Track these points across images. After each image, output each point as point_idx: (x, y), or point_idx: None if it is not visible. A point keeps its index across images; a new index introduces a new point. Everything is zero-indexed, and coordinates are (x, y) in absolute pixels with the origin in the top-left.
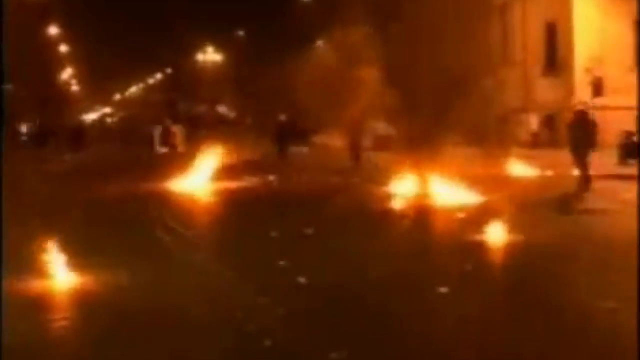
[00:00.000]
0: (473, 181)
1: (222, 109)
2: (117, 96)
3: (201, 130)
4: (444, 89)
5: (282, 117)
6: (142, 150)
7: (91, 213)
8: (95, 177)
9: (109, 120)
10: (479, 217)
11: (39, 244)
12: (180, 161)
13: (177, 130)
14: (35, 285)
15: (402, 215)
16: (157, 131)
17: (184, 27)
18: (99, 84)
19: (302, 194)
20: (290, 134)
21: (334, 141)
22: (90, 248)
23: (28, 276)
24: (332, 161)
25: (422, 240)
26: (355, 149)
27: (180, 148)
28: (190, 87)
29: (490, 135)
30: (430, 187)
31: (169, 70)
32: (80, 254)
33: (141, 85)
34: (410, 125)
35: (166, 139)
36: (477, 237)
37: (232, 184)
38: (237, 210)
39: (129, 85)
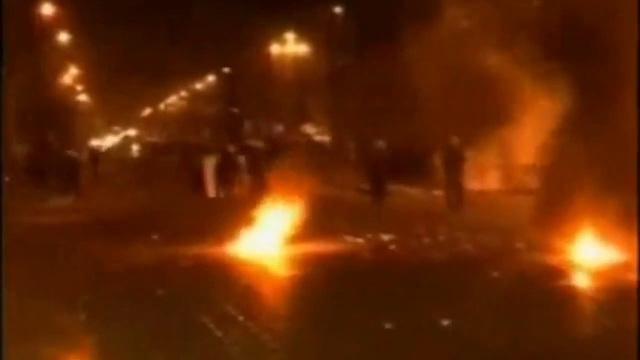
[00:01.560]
0: None
1: (309, 128)
2: (147, 111)
3: (278, 160)
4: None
5: (380, 144)
6: (186, 193)
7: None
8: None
9: (135, 147)
10: None
11: None
12: (248, 211)
13: (244, 162)
14: None
15: None
16: (209, 163)
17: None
18: (117, 91)
19: (434, 265)
20: (391, 165)
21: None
22: None
23: None
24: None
25: None
26: (455, 189)
27: (246, 190)
28: (258, 95)
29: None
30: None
31: (226, 70)
32: None
33: (183, 93)
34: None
35: (226, 176)
36: None
37: (325, 247)
38: (332, 291)
39: (165, 94)
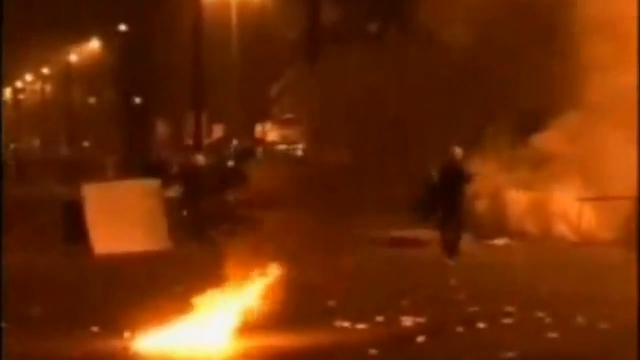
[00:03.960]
0: None
1: (271, 132)
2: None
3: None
4: None
5: (456, 151)
6: (53, 249)
7: None
8: None
9: None
10: None
11: None
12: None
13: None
14: None
15: None
16: (97, 195)
17: None
18: None
19: None
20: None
21: None
22: None
23: None
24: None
25: None
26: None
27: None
28: (180, 75)
29: None
30: None
31: (122, 28)
32: None
33: (46, 69)
34: None
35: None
36: None
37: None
38: None
39: (15, 72)
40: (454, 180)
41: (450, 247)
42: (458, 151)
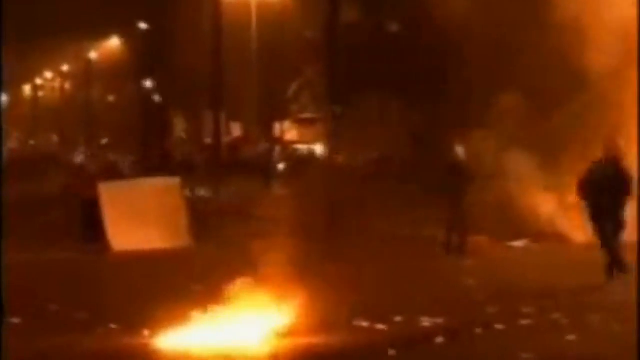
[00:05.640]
0: None
1: (289, 130)
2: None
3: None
4: None
5: (459, 150)
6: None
7: None
8: None
9: None
10: None
11: None
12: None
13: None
14: None
15: None
16: (114, 193)
17: None
18: None
19: None
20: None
21: None
22: None
23: None
24: None
25: None
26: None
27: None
28: (199, 71)
29: None
30: None
31: (142, 26)
32: None
33: (66, 67)
34: None
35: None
36: None
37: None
38: None
39: (35, 69)
40: (458, 180)
41: (457, 247)
42: (460, 150)
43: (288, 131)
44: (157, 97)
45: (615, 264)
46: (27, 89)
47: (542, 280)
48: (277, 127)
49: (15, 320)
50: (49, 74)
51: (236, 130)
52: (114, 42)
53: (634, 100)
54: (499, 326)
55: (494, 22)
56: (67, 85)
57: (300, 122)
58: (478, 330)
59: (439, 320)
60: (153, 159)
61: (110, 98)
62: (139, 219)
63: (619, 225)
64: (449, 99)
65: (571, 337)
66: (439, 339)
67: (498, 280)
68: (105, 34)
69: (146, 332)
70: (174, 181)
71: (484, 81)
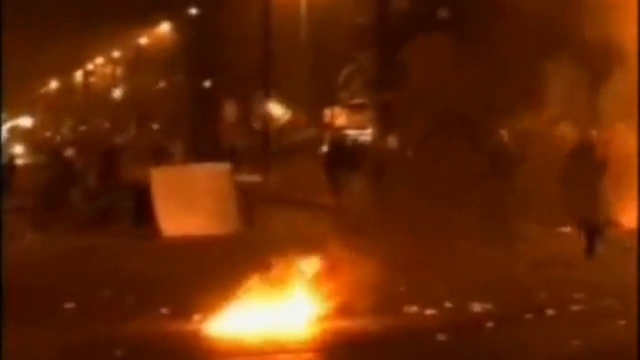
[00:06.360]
0: None
1: (338, 116)
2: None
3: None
4: None
5: (503, 134)
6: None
7: None
8: None
9: (18, 150)
10: None
11: None
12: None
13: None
14: None
15: None
16: (162, 178)
17: None
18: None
19: None
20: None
21: None
22: None
23: None
24: None
25: None
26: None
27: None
28: (249, 57)
29: None
30: None
31: (192, 12)
32: None
33: (117, 53)
34: None
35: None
36: None
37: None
38: None
39: (84, 56)
40: (503, 164)
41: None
42: (504, 134)
43: (338, 117)
44: (207, 83)
45: None
46: (78, 75)
47: (592, 266)
48: (327, 113)
49: (68, 305)
50: (99, 60)
51: (283, 116)
52: (164, 28)
53: None
54: (549, 312)
55: (545, 8)
56: (118, 71)
57: (350, 108)
58: (528, 316)
59: (489, 306)
60: (203, 145)
61: (161, 83)
62: (189, 204)
63: None
64: (497, 84)
65: (621, 322)
66: (489, 324)
67: (548, 266)
68: (155, 20)
69: (196, 317)
70: (224, 167)
71: (535, 66)
